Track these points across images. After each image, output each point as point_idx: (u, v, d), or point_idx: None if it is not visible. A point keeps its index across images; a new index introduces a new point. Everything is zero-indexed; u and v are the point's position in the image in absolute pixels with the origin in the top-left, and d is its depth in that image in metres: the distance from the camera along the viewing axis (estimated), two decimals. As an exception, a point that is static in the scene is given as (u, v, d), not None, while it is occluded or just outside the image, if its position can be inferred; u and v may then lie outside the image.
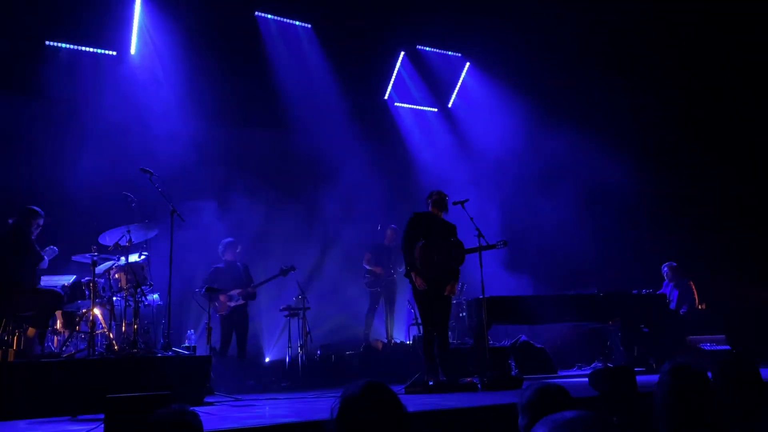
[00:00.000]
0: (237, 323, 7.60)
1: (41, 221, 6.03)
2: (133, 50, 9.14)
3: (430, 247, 6.10)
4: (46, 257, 6.05)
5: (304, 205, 10.03)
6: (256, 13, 10.04)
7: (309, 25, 10.46)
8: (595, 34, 10.43)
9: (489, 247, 6.35)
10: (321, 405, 5.12)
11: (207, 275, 7.64)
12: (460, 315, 8.45)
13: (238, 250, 7.82)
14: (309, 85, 10.37)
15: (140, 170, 6.39)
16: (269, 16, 10.19)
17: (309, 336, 7.96)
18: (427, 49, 11.53)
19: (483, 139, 11.19)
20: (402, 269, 8.73)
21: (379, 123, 10.98)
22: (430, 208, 6.40)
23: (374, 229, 9.63)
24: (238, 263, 7.83)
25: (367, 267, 9.05)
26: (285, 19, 10.31)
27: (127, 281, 6.34)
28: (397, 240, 8.96)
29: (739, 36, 9.80)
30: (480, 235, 6.27)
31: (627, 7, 9.91)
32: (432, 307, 6.12)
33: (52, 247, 6.17)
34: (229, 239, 7.83)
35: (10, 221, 5.94)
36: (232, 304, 7.50)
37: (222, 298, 7.43)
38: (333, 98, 10.39)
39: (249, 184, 9.41)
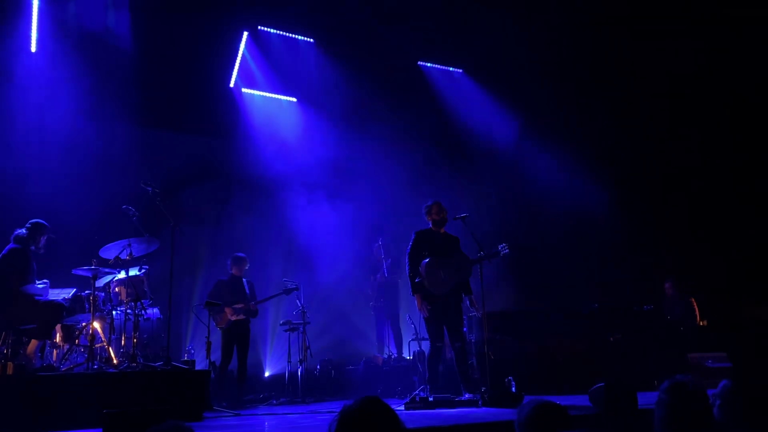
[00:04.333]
0: (237, 338, 7.52)
1: (45, 237, 6.03)
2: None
3: (436, 264, 6.10)
4: (43, 287, 6.06)
5: (304, 219, 10.04)
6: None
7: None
8: (592, 51, 10.48)
9: (493, 255, 6.34)
10: (320, 420, 5.10)
11: (212, 288, 7.61)
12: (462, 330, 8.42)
13: (246, 267, 7.78)
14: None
15: (142, 184, 6.40)
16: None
17: (309, 351, 7.93)
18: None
19: (480, 150, 11.13)
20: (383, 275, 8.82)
21: (380, 136, 10.90)
22: (430, 225, 6.40)
23: (375, 243, 9.62)
24: (244, 279, 7.79)
25: (370, 291, 9.16)
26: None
27: (127, 295, 6.34)
28: (391, 255, 8.99)
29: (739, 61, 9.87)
30: (481, 249, 6.26)
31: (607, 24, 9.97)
32: (442, 323, 6.10)
33: (44, 280, 6.18)
34: (240, 254, 7.80)
35: (17, 232, 5.96)
36: (233, 318, 7.47)
37: (227, 310, 7.39)
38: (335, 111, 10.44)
39: (249, 198, 9.45)
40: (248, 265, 7.84)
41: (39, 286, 6.02)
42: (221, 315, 7.39)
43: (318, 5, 9.81)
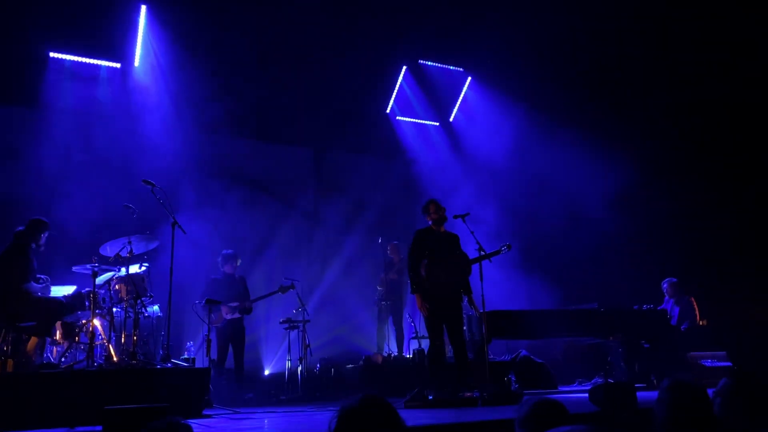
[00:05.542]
0: (233, 337, 7.55)
1: (45, 234, 6.04)
2: (137, 62, 9.22)
3: (436, 263, 6.09)
4: (43, 285, 6.06)
5: (304, 217, 10.05)
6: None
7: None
8: (593, 51, 10.50)
9: (494, 253, 6.34)
10: (319, 418, 5.10)
11: (205, 287, 7.63)
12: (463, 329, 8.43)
13: (238, 263, 7.80)
14: (311, 97, 10.47)
15: (143, 182, 6.40)
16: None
17: (308, 349, 7.93)
18: (429, 63, 11.59)
19: (483, 152, 11.24)
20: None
21: (381, 136, 11.03)
22: (430, 223, 6.39)
23: (375, 242, 9.65)
24: (236, 276, 7.82)
25: (379, 288, 9.13)
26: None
27: (128, 292, 6.33)
28: (399, 254, 9.02)
29: (743, 48, 9.85)
30: (481, 248, 6.25)
31: (627, 26, 9.98)
32: (442, 322, 6.10)
33: (44, 276, 6.18)
34: (229, 251, 7.82)
35: (17, 230, 5.97)
36: (228, 316, 7.48)
37: (224, 309, 7.42)
38: (336, 111, 10.47)
39: (249, 196, 9.45)
40: (240, 260, 7.85)
41: (40, 284, 6.02)
42: (217, 313, 7.41)
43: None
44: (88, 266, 6.10)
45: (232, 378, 7.42)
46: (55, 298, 6.08)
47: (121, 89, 9.02)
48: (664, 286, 8.94)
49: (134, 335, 6.05)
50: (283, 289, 7.86)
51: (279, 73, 10.01)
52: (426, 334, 6.51)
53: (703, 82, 10.15)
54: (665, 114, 10.57)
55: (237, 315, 7.54)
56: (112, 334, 6.24)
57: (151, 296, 6.55)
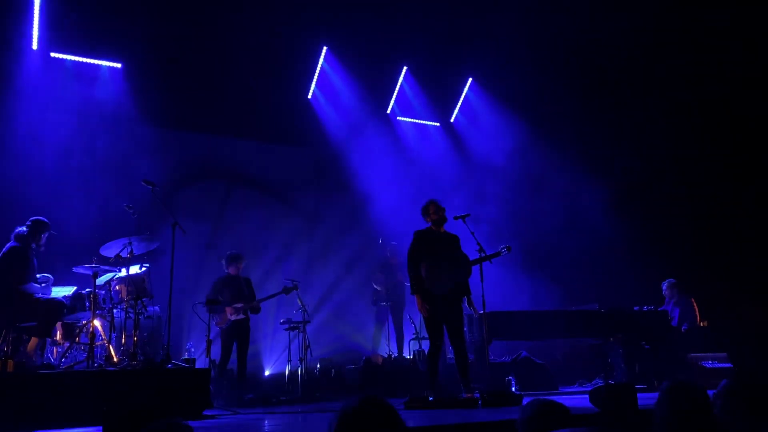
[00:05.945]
0: (237, 338, 7.55)
1: (46, 234, 6.04)
2: (137, 62, 9.21)
3: (436, 264, 6.08)
4: (44, 286, 6.06)
5: (305, 217, 10.05)
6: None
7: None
8: (593, 51, 10.50)
9: (494, 255, 6.33)
10: (320, 419, 5.10)
11: (210, 288, 7.61)
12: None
13: (242, 265, 7.78)
14: (312, 99, 10.48)
15: (143, 182, 6.40)
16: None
17: (309, 350, 7.92)
18: (430, 64, 11.57)
19: (484, 152, 11.24)
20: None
21: (381, 136, 11.03)
22: (429, 224, 6.38)
23: (376, 243, 9.65)
24: (241, 277, 7.81)
25: (377, 287, 9.10)
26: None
27: (128, 293, 6.33)
28: (400, 256, 9.00)
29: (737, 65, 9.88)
30: (481, 249, 6.25)
31: (627, 26, 9.99)
32: (442, 322, 6.09)
33: (47, 275, 6.19)
34: (233, 252, 7.80)
35: (17, 230, 5.97)
36: (233, 317, 7.47)
37: (228, 310, 7.40)
38: (337, 111, 10.48)
39: (249, 196, 9.45)
40: (245, 261, 7.83)
41: (42, 284, 6.03)
42: (221, 315, 7.40)
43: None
44: (88, 267, 6.09)
45: (233, 379, 7.41)
46: (55, 299, 6.08)
47: (121, 89, 9.02)
48: (664, 287, 8.94)
49: (134, 336, 6.05)
50: (287, 291, 7.85)
51: (279, 73, 10.02)
52: (426, 335, 6.51)
53: (703, 82, 10.15)
54: (665, 114, 10.56)
55: (242, 316, 7.52)
56: (113, 334, 6.24)
57: (151, 297, 6.54)
